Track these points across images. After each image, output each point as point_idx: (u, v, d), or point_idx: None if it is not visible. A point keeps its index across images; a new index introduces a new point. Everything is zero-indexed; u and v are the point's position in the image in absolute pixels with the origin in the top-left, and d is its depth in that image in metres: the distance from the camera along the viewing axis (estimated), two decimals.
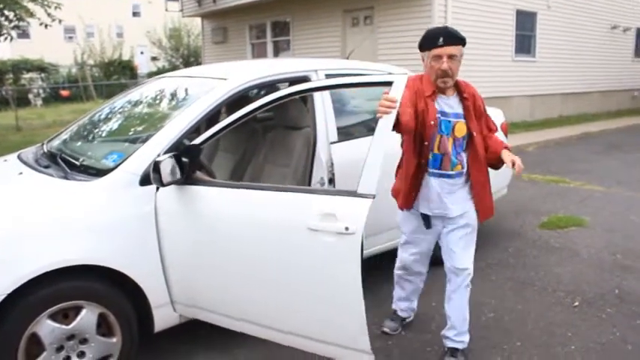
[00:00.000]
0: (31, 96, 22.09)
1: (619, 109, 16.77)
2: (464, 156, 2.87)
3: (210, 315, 2.81)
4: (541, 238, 5.02)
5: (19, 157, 3.38)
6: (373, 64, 4.19)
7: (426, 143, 2.79)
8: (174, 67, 26.74)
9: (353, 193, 2.32)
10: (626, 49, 16.73)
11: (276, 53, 15.16)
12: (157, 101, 3.65)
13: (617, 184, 7.20)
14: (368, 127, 3.91)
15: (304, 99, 3.51)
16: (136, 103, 3.79)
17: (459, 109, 2.84)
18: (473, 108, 2.86)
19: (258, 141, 3.94)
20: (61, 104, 20.93)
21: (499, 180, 4.80)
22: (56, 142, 3.54)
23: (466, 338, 3.00)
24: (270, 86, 3.55)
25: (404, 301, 3.36)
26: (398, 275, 3.29)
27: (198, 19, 18.86)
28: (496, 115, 4.83)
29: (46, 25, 10.11)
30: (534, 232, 5.19)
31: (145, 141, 2.86)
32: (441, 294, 3.12)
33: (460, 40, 2.73)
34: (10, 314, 2.33)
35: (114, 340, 2.65)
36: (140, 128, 3.35)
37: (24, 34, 12.72)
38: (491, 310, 3.61)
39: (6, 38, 10.49)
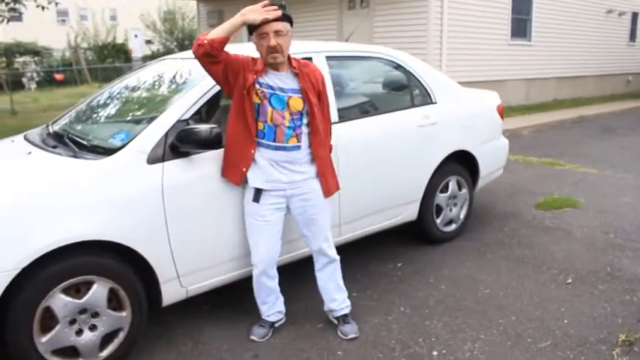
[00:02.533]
0: (24, 80, 21.97)
1: (613, 94, 16.87)
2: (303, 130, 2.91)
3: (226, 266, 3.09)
4: (536, 218, 5.12)
5: (25, 137, 3.44)
6: (371, 45, 4.24)
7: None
8: (168, 51, 26.60)
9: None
10: (621, 34, 16.79)
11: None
12: (161, 83, 3.70)
13: (610, 166, 7.30)
14: (366, 109, 3.99)
15: None
16: (139, 85, 3.83)
17: (294, 85, 2.87)
18: (310, 86, 2.90)
19: None
20: (55, 88, 20.85)
21: (495, 161, 4.89)
22: (62, 124, 3.59)
23: None
24: None
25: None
26: None
27: (193, 2, 18.75)
28: (492, 97, 4.91)
29: (43, 8, 10.05)
30: (529, 212, 5.29)
31: (150, 121, 2.94)
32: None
33: (284, 17, 2.75)
34: (25, 288, 2.41)
35: (124, 314, 2.73)
36: (145, 109, 3.41)
37: (17, 18, 12.65)
38: (487, 286, 3.71)
39: (2, 21, 10.42)
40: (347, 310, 3.21)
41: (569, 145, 8.93)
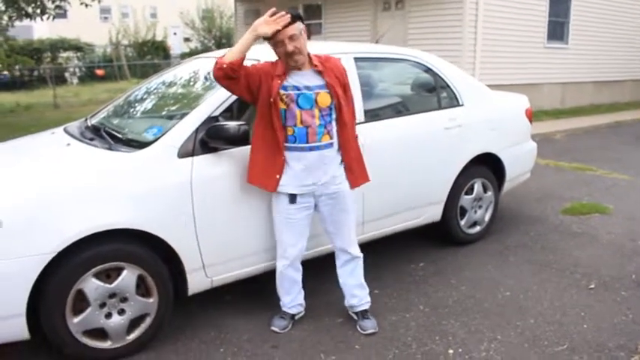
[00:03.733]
0: (67, 75, 22.66)
1: None
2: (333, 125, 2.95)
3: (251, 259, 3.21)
4: (563, 223, 5.09)
5: (65, 130, 3.62)
6: (398, 47, 4.29)
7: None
8: (206, 48, 27.01)
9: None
10: None
11: (308, 36, 15.19)
12: (193, 80, 3.84)
13: None
14: (395, 110, 4.05)
15: None
16: (173, 82, 3.98)
17: (319, 81, 2.90)
18: (336, 80, 2.95)
19: None
20: (96, 83, 21.38)
21: (522, 164, 4.89)
22: (99, 117, 3.76)
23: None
24: None
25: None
26: None
27: (231, 1, 19.01)
28: (520, 101, 4.91)
29: (86, 5, 10.38)
30: (556, 217, 5.27)
31: (182, 117, 3.07)
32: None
33: (293, 18, 2.76)
34: (60, 272, 2.56)
35: (151, 300, 2.87)
36: (178, 105, 3.55)
37: (62, 15, 13.07)
38: (508, 289, 3.74)
39: (49, 17, 10.78)
40: (367, 306, 3.28)
41: (603, 151, 8.80)
